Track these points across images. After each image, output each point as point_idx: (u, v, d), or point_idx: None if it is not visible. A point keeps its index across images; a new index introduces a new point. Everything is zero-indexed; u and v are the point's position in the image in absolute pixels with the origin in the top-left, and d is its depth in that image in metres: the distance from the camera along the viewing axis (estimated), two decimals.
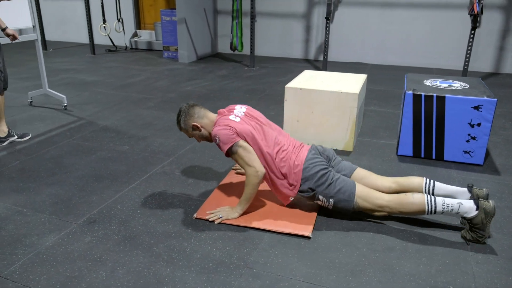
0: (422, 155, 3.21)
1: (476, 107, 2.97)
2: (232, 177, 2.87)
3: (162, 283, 1.87)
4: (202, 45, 7.44)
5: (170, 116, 4.22)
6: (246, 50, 7.09)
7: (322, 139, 3.41)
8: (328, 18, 6.23)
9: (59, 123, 3.98)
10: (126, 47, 8.36)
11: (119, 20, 7.87)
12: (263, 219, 2.35)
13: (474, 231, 2.16)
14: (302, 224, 2.29)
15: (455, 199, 2.20)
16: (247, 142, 2.30)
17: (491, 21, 6.19)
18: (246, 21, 7.05)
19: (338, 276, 1.92)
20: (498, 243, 2.18)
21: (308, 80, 3.62)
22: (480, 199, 2.14)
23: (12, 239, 2.18)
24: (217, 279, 1.89)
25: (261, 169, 2.25)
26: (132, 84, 5.55)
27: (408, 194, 2.24)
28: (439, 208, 2.17)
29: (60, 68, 6.50)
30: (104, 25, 7.76)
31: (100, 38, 8.50)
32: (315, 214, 2.40)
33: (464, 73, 5.57)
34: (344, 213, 2.38)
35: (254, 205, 2.44)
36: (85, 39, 8.82)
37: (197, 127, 2.44)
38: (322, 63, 6.53)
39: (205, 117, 2.46)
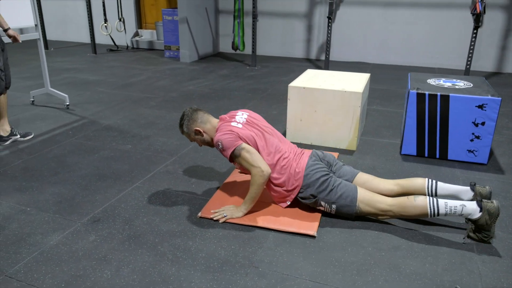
0: (426, 154, 3.20)
1: (480, 106, 2.96)
2: (236, 176, 2.86)
3: (168, 282, 1.86)
4: (203, 44, 7.43)
5: (173, 115, 4.21)
6: (248, 50, 7.08)
7: (325, 138, 3.41)
8: (330, 17, 6.22)
9: (61, 122, 3.97)
10: (127, 46, 8.35)
11: (120, 20, 7.87)
12: (268, 218, 2.34)
13: (479, 231, 2.15)
14: (307, 223, 2.28)
15: (458, 201, 2.18)
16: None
17: (493, 20, 6.18)
18: (248, 20, 7.04)
19: (344, 275, 1.91)
20: (503, 242, 2.18)
21: (311, 79, 3.61)
22: (483, 200, 2.12)
23: (16, 238, 2.18)
24: (222, 278, 1.89)
25: (266, 168, 2.24)
26: (133, 83, 5.54)
27: (410, 197, 2.23)
28: (441, 211, 2.16)
29: (62, 67, 6.50)
30: (106, 24, 7.76)
31: (101, 38, 8.49)
32: (319, 213, 2.40)
33: (466, 73, 5.57)
34: (347, 218, 2.37)
35: (258, 204, 2.43)
36: (86, 39, 8.82)
37: (200, 132, 2.44)
38: (324, 63, 6.53)
39: (208, 123, 2.46)
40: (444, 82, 3.32)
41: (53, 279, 1.87)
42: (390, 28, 6.77)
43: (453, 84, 3.25)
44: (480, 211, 2.10)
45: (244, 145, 2.28)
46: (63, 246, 2.11)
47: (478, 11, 5.15)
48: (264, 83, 5.63)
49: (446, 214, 2.17)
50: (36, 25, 4.16)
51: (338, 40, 7.10)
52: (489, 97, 2.93)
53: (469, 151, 3.09)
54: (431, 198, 2.20)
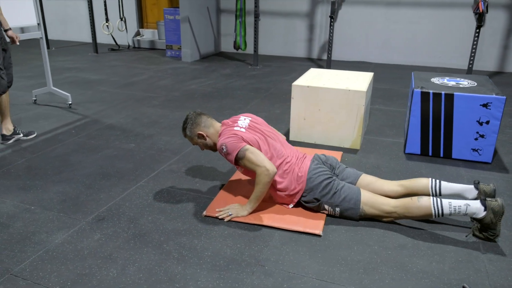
0: (430, 153, 3.20)
1: (485, 105, 2.95)
2: (240, 175, 2.85)
3: (174, 280, 1.85)
4: (205, 44, 7.43)
5: (175, 114, 4.21)
6: (250, 49, 7.08)
7: (329, 137, 3.40)
8: (332, 16, 6.22)
9: (64, 121, 3.96)
10: (128, 46, 8.34)
11: (121, 19, 7.86)
12: (273, 216, 2.33)
13: (485, 230, 2.15)
14: (313, 222, 2.28)
15: (462, 200, 2.18)
16: None
17: (496, 19, 6.17)
18: (250, 19, 7.04)
19: (350, 274, 1.91)
20: (509, 240, 2.17)
21: (314, 78, 3.61)
22: (488, 199, 2.12)
23: (21, 236, 2.17)
24: (229, 277, 1.88)
25: (271, 167, 2.23)
26: (135, 82, 5.54)
27: (414, 198, 2.22)
28: (446, 211, 2.15)
29: (63, 66, 6.49)
30: (107, 24, 7.75)
31: (103, 37, 8.49)
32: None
33: (468, 72, 5.56)
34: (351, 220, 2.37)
35: (263, 203, 2.43)
36: (87, 38, 8.82)
37: (203, 136, 2.44)
38: (326, 62, 6.52)
39: (211, 127, 2.46)
40: (448, 81, 3.31)
41: (59, 278, 1.87)
42: (392, 28, 6.77)
43: (457, 83, 3.25)
44: (485, 210, 2.10)
45: (248, 146, 2.28)
46: (68, 245, 2.10)
47: (481, 11, 5.15)
48: (267, 82, 5.63)
49: (450, 214, 2.16)
50: (38, 23, 4.16)
51: (340, 40, 7.09)
52: (494, 95, 2.92)
53: (474, 150, 3.08)
54: (434, 198, 2.19)
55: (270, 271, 1.92)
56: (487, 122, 2.98)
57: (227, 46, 7.92)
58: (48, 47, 7.99)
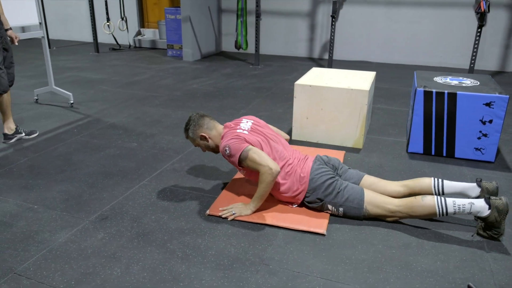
0: (433, 152, 3.19)
1: (488, 104, 2.95)
2: None
3: (178, 279, 1.85)
4: (206, 43, 7.42)
5: (177, 114, 4.20)
6: (251, 49, 7.07)
7: (331, 136, 3.40)
8: (334, 16, 6.21)
9: (66, 121, 3.96)
10: (129, 45, 8.34)
11: (122, 19, 7.86)
12: (277, 216, 2.33)
13: (489, 229, 2.14)
14: (317, 221, 2.27)
15: (466, 199, 2.17)
16: None
17: (497, 19, 6.17)
18: (251, 19, 7.03)
19: (355, 273, 1.90)
20: None
21: (317, 77, 3.60)
22: (492, 198, 2.11)
23: (24, 235, 2.17)
24: (233, 276, 1.87)
25: (275, 166, 2.23)
26: (137, 82, 5.53)
27: (418, 197, 2.22)
28: (450, 210, 2.14)
29: (64, 66, 6.48)
30: (108, 23, 7.75)
31: (104, 37, 8.49)
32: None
33: (470, 71, 5.56)
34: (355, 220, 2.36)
35: (267, 202, 2.42)
36: (88, 38, 8.81)
37: (205, 137, 2.44)
38: (327, 62, 6.52)
39: (214, 129, 2.46)
40: (451, 80, 3.31)
41: (63, 277, 1.86)
42: (394, 27, 6.76)
43: (460, 82, 3.24)
44: (489, 208, 2.09)
45: (251, 146, 2.28)
46: (72, 244, 2.10)
47: (482, 10, 5.15)
48: (268, 81, 5.62)
49: (454, 213, 2.16)
50: (40, 23, 4.15)
51: (342, 39, 7.09)
52: (497, 95, 2.92)
53: (476, 149, 3.07)
54: (439, 197, 2.18)
55: (274, 270, 1.92)
56: (490, 121, 2.98)
57: (228, 45, 7.92)
58: (49, 47, 7.98)
